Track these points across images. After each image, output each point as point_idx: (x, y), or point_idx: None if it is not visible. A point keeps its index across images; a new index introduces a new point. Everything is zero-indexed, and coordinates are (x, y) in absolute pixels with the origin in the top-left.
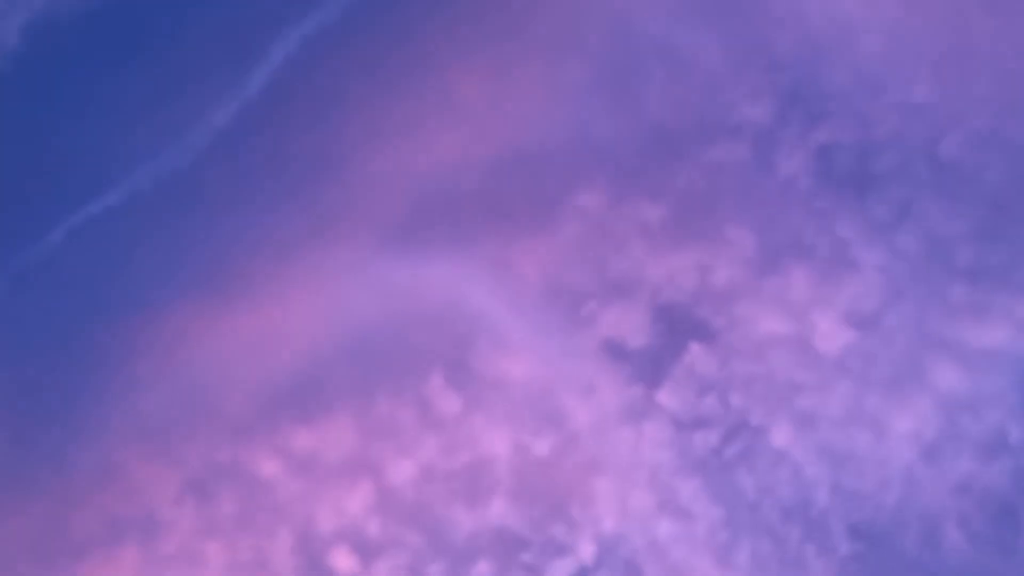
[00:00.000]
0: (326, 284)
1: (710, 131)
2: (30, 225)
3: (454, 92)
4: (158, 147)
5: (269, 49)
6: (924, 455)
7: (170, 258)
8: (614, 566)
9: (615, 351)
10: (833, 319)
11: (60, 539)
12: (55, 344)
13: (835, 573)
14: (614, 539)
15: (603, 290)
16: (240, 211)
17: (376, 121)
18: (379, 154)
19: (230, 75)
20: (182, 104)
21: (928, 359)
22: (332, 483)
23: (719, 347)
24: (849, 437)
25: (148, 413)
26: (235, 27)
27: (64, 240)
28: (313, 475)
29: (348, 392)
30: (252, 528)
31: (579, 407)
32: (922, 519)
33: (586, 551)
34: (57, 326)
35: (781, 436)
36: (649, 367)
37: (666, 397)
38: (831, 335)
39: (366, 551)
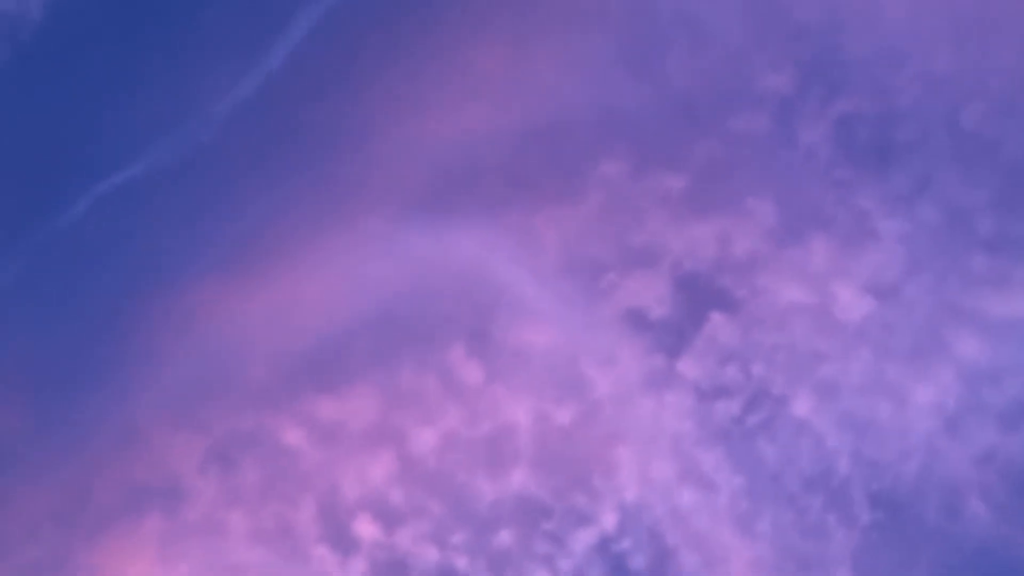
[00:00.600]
0: (350, 254)
1: (731, 102)
2: (54, 197)
3: (477, 63)
4: (181, 119)
5: (291, 21)
6: (945, 425)
7: (193, 229)
8: (636, 535)
9: (637, 321)
10: (854, 289)
11: (84, 507)
12: (79, 314)
13: (856, 542)
14: (636, 508)
15: (625, 260)
16: (263, 182)
17: (399, 92)
18: (402, 125)
19: (253, 48)
20: (205, 77)
21: (949, 329)
22: (355, 452)
23: (740, 317)
24: (870, 407)
25: (172, 382)
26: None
27: (88, 211)
28: (336, 444)
29: (371, 361)
30: (275, 496)
31: (601, 376)
32: (943, 489)
33: (608, 520)
34: (81, 297)
35: (802, 406)
36: (670, 337)
37: (687, 367)
38: (852, 305)
39: (389, 519)
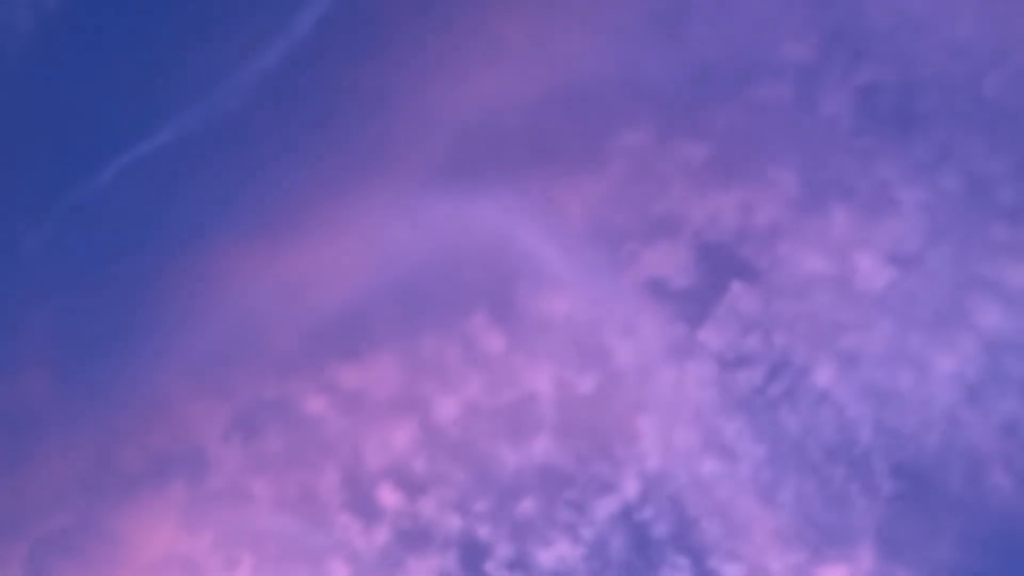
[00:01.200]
0: (373, 222)
1: (753, 70)
2: (82, 163)
3: (500, 30)
4: (208, 87)
5: None
6: (967, 395)
7: (219, 196)
8: (658, 504)
9: (658, 290)
10: (875, 258)
11: (109, 474)
12: (105, 282)
13: (879, 512)
14: (658, 477)
15: (647, 229)
16: (288, 150)
17: (423, 60)
18: (426, 93)
19: (278, 15)
20: (231, 44)
21: (970, 298)
22: (378, 420)
23: (762, 286)
24: (892, 376)
25: (197, 350)
26: None
27: (115, 178)
28: (359, 412)
29: (394, 329)
30: (299, 464)
31: (622, 345)
32: (966, 459)
33: (630, 488)
34: (107, 264)
35: (824, 375)
36: (692, 306)
37: (709, 336)
38: (873, 274)
39: (412, 487)
